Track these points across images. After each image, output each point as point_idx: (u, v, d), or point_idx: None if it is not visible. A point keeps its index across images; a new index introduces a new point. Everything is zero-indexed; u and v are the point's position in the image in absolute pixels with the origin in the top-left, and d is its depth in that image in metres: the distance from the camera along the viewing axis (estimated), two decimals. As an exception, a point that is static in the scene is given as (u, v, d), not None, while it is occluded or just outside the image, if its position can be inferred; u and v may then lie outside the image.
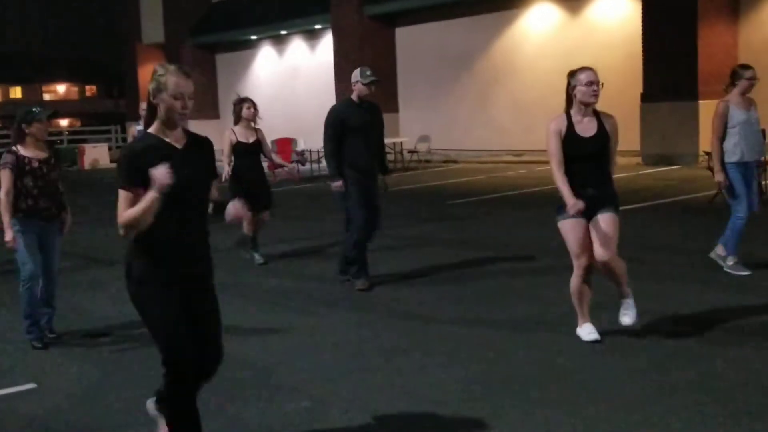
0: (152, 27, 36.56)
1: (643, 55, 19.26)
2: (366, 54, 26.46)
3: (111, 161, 30.72)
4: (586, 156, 5.74)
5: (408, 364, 5.79)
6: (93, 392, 5.61)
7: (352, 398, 5.14)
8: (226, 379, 4.84)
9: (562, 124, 5.78)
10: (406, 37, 27.43)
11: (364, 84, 7.92)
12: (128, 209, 3.79)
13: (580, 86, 5.69)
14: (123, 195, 3.82)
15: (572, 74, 5.78)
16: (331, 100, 27.99)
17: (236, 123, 9.38)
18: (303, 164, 16.61)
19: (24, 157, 6.47)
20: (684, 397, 4.87)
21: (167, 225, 3.87)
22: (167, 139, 3.94)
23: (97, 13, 71.95)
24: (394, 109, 26.51)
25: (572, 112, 5.81)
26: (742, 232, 7.68)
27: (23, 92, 79.76)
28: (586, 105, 5.74)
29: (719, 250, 7.79)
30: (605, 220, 5.72)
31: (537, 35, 23.98)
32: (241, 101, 9.45)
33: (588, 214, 5.73)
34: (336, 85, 27.63)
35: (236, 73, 34.40)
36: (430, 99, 26.01)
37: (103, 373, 6.01)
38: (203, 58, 34.54)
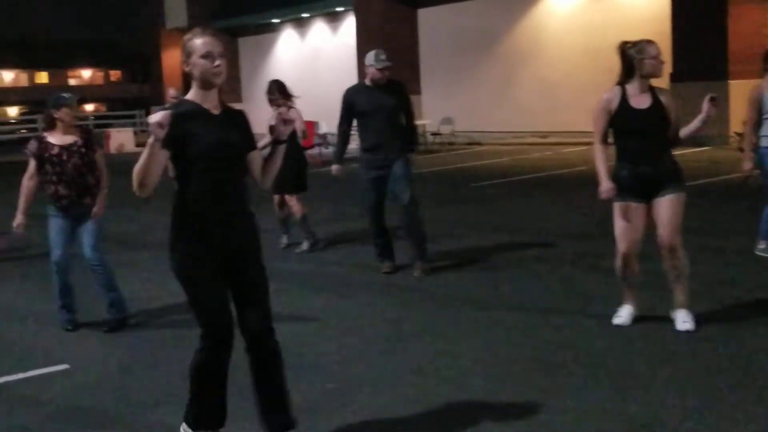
0: (175, 12, 36.66)
1: (672, 34, 18.99)
2: (388, 35, 26.36)
3: (136, 145, 30.93)
4: (642, 130, 5.58)
5: (434, 347, 5.78)
6: (123, 372, 5.67)
7: (378, 381, 5.14)
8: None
9: (615, 97, 5.63)
10: (428, 17, 27.28)
11: (377, 69, 7.78)
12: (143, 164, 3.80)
13: (649, 59, 5.54)
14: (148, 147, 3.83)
15: (633, 45, 5.60)
16: (352, 82, 27.86)
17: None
18: (326, 147, 16.64)
19: (46, 143, 6.48)
20: (725, 380, 4.80)
21: (203, 192, 3.88)
22: (204, 106, 3.94)
23: (122, -1, 72.14)
24: (417, 91, 26.38)
25: (628, 85, 5.64)
26: None
27: (49, 77, 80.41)
28: (652, 77, 5.62)
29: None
30: (666, 203, 5.58)
31: (562, 13, 23.74)
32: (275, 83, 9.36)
33: (646, 197, 5.61)
34: (358, 68, 27.56)
35: (258, 56, 34.44)
36: (452, 80, 25.87)
37: (132, 354, 6.07)
38: (225, 42, 34.55)
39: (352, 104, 7.92)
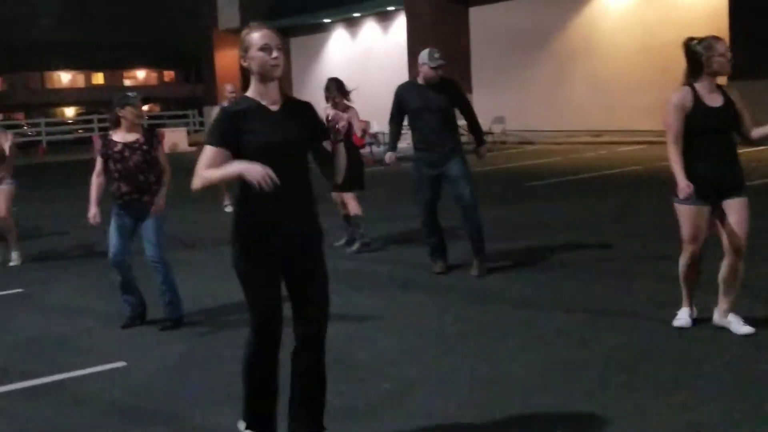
0: (228, 12, 37.02)
1: (729, 31, 18.64)
2: (439, 34, 26.30)
3: (189, 145, 31.32)
4: (716, 128, 5.46)
5: (488, 347, 5.75)
6: (178, 371, 5.73)
7: (433, 381, 5.13)
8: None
9: (687, 96, 5.47)
10: (480, 15, 27.18)
11: (431, 67, 7.72)
12: (209, 167, 3.82)
13: (718, 56, 5.41)
14: (208, 151, 3.86)
15: (700, 42, 5.47)
16: (403, 81, 27.91)
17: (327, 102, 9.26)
18: (377, 146, 16.65)
19: (110, 141, 6.59)
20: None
21: (261, 190, 3.76)
22: (263, 102, 3.94)
23: (176, 1, 72.96)
24: (468, 89, 26.26)
25: (697, 84, 5.50)
26: None
27: (105, 78, 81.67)
28: (720, 75, 5.49)
29: None
30: (739, 206, 5.47)
31: (616, 11, 23.49)
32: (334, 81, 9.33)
33: (712, 198, 5.48)
34: (409, 67, 27.55)
35: (310, 56, 34.61)
36: (504, 79, 25.75)
37: (188, 353, 6.12)
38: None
39: (403, 101, 7.91)
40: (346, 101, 9.22)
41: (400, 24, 29.50)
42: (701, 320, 5.78)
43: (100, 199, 6.75)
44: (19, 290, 8.49)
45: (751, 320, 5.63)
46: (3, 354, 6.33)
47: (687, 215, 5.53)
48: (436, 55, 7.73)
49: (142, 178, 6.58)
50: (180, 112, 43.83)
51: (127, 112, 6.56)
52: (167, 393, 5.29)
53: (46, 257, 10.30)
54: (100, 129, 38.74)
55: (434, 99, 7.75)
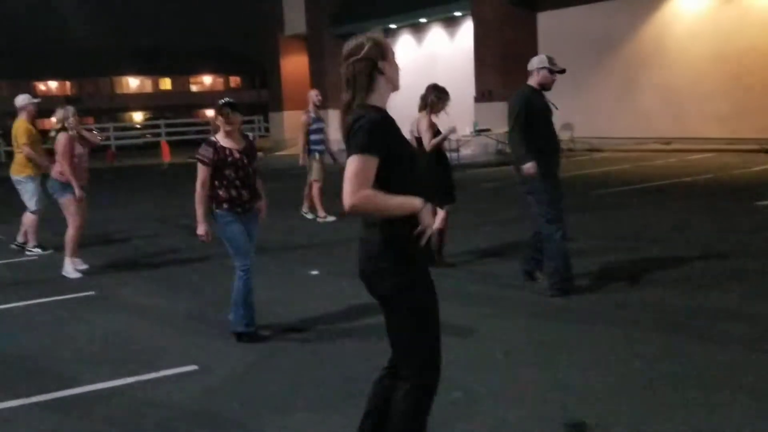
0: (294, 18, 37.33)
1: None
2: (506, 40, 26.21)
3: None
4: None
5: (559, 360, 5.72)
6: (249, 376, 5.78)
7: (503, 391, 5.12)
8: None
9: None
10: (548, 21, 26.97)
11: (551, 72, 7.77)
12: (368, 181, 3.42)
13: None
14: (363, 163, 3.42)
15: None
16: (469, 87, 27.93)
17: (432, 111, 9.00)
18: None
19: (224, 148, 6.39)
20: None
21: (412, 193, 3.53)
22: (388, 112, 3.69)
23: (241, 7, 73.95)
24: (536, 96, 26.07)
25: None
26: None
27: (172, 84, 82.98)
28: None
29: None
30: None
31: (689, 16, 23.09)
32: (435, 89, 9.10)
33: None
34: (476, 72, 27.47)
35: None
36: (572, 85, 25.37)
37: (259, 359, 6.15)
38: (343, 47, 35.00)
39: (529, 107, 7.62)
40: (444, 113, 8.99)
41: (466, 29, 29.43)
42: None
43: (207, 213, 6.47)
44: (91, 293, 8.66)
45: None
46: (76, 355, 6.48)
47: None
48: (555, 61, 7.78)
49: (255, 185, 6.56)
50: (246, 117, 44.25)
51: (233, 119, 6.40)
52: (237, 398, 5.34)
53: (117, 261, 10.50)
54: (168, 134, 39.47)
55: (551, 104, 7.81)
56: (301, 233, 11.69)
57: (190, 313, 7.10)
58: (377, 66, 3.62)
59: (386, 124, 3.56)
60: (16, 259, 10.94)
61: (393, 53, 3.69)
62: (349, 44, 3.69)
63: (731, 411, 4.58)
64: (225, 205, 6.39)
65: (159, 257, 10.55)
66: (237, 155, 6.39)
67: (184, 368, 5.94)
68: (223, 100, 6.54)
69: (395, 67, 3.69)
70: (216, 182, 6.37)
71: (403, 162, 3.58)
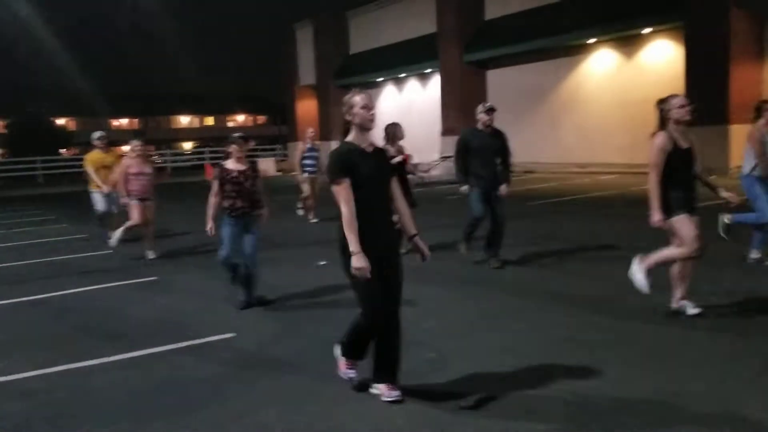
0: (306, 72, 37.34)
1: (685, 89, 18.38)
2: (465, 90, 26.29)
3: (276, 171, 31.57)
4: (688, 163, 5.38)
5: (512, 326, 5.68)
6: (276, 340, 5.71)
7: (469, 352, 5.07)
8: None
9: (667, 140, 5.33)
10: (495, 77, 27.08)
11: (485, 112, 7.74)
12: (347, 199, 3.85)
13: (676, 109, 5.31)
14: (341, 189, 3.87)
15: (663, 101, 5.39)
16: (437, 125, 27.97)
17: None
18: (414, 174, 16.51)
19: (226, 169, 6.58)
20: (731, 362, 4.59)
21: (366, 207, 3.90)
22: (362, 146, 3.99)
23: (267, 63, 73.91)
24: (486, 132, 26.13)
25: (669, 130, 5.36)
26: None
27: (214, 121, 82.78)
28: (681, 122, 5.35)
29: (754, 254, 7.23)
30: (697, 220, 5.43)
31: (597, 74, 23.24)
32: (395, 125, 9.00)
33: (692, 211, 5.39)
34: (442, 115, 27.52)
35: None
36: (513, 124, 25.51)
37: (283, 327, 6.07)
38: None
39: (466, 143, 7.80)
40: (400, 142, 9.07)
41: (435, 82, 29.48)
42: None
43: (215, 215, 6.67)
44: (154, 278, 8.59)
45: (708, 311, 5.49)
46: (141, 325, 6.40)
47: (685, 222, 5.33)
48: (488, 105, 7.81)
49: (254, 197, 6.61)
50: (269, 146, 44.19)
51: (231, 149, 6.62)
52: (267, 355, 5.29)
53: (174, 253, 10.40)
54: (210, 158, 39.33)
55: (491, 141, 7.79)
56: (308, 233, 11.63)
57: (229, 293, 7.02)
58: (346, 119, 4.01)
59: (342, 154, 3.90)
60: (96, 252, 10.83)
61: (360, 105, 3.97)
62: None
63: (613, 367, 4.57)
64: (228, 212, 6.56)
65: (206, 248, 10.46)
66: (234, 174, 6.53)
67: (225, 335, 5.87)
68: (236, 134, 6.77)
69: (360, 115, 3.97)
70: (223, 194, 6.57)
71: (358, 183, 3.86)
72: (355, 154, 3.94)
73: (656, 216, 5.29)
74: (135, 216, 9.73)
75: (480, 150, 7.68)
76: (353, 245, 3.83)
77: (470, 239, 8.20)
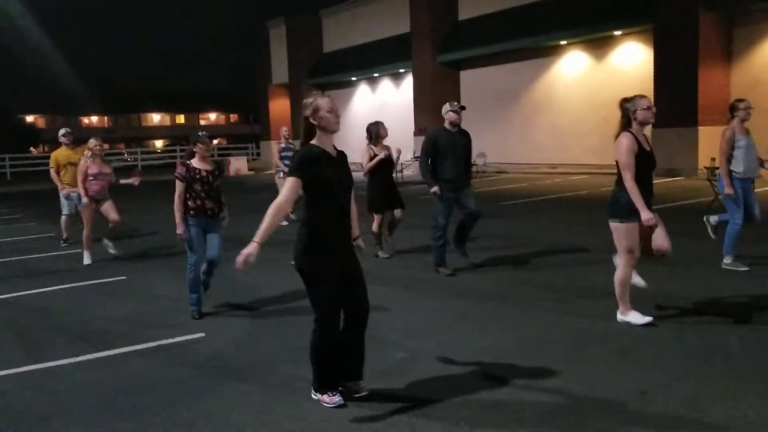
0: (279, 71, 37.14)
1: (654, 92, 18.66)
2: (437, 91, 26.34)
3: (249, 170, 31.39)
4: (649, 166, 5.31)
5: (479, 326, 5.73)
6: (247, 341, 5.69)
7: (437, 351, 5.10)
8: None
9: (634, 141, 5.24)
10: (468, 77, 27.20)
11: (455, 111, 7.56)
12: (290, 193, 3.90)
13: (642, 110, 5.25)
14: (292, 182, 3.88)
15: (629, 101, 5.30)
16: (410, 125, 28.04)
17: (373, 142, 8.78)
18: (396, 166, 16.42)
19: (194, 168, 6.36)
20: (696, 361, 4.67)
21: (330, 212, 3.92)
22: (326, 149, 3.99)
23: (240, 61, 73.43)
24: (459, 132, 26.22)
25: (633, 131, 5.29)
26: (739, 236, 7.25)
27: (185, 119, 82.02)
28: (647, 124, 5.32)
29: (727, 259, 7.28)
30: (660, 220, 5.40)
31: (569, 76, 23.47)
32: (378, 124, 8.85)
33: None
34: (414, 115, 27.58)
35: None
36: (486, 125, 25.73)
37: (254, 328, 6.07)
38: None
39: (434, 144, 7.57)
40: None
41: (408, 82, 29.52)
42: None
43: (183, 215, 6.44)
44: (122, 278, 8.49)
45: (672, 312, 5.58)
46: (109, 325, 6.33)
47: (631, 232, 5.31)
48: (456, 103, 7.65)
49: (219, 198, 6.49)
50: (242, 145, 43.88)
51: (198, 148, 6.40)
52: (236, 355, 5.27)
53: (142, 253, 10.30)
54: (181, 156, 38.90)
55: (461, 140, 7.65)
56: (282, 232, 11.56)
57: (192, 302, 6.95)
58: (310, 121, 3.95)
59: (311, 156, 3.88)
60: (67, 252, 10.68)
61: (326, 109, 3.94)
62: (302, 103, 4.00)
63: (584, 366, 4.64)
64: (192, 212, 6.33)
65: (175, 250, 10.37)
66: (203, 174, 6.35)
67: (194, 335, 5.84)
68: (201, 133, 6.54)
69: (326, 119, 3.95)
70: (187, 194, 6.33)
71: (321, 185, 3.88)
72: (323, 158, 3.94)
73: (646, 214, 5.13)
74: (88, 221, 9.48)
75: (450, 149, 7.55)
76: (262, 236, 3.85)
77: (445, 260, 7.79)
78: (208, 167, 6.45)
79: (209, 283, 6.67)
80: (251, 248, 3.81)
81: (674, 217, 11.38)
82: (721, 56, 18.43)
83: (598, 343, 5.10)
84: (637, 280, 5.64)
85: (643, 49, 20.59)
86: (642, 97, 5.35)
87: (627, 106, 5.34)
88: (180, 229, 6.37)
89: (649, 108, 5.29)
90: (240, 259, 3.78)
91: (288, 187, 3.91)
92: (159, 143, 73.50)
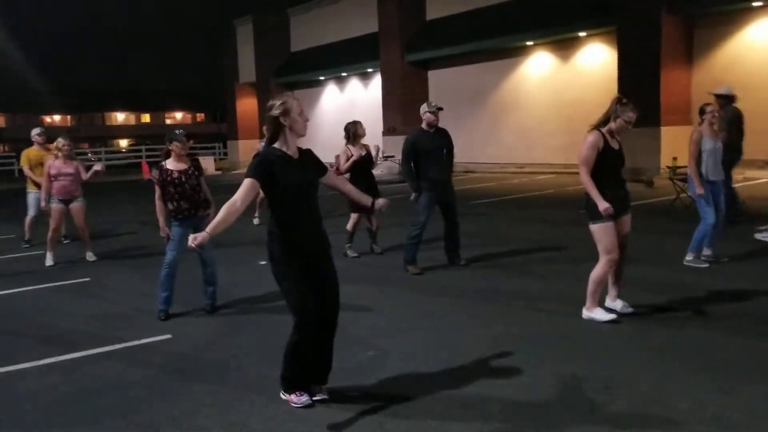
0: (247, 70, 36.84)
1: (618, 92, 18.90)
2: (406, 90, 26.40)
3: (215, 170, 31.09)
4: (617, 164, 5.38)
5: (448, 324, 5.75)
6: (214, 341, 5.64)
7: (407, 349, 5.11)
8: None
9: (600, 139, 5.32)
10: (436, 77, 27.30)
11: (433, 112, 7.56)
12: (245, 193, 3.82)
13: (625, 122, 5.30)
14: (248, 183, 3.83)
15: (624, 104, 5.31)
16: (378, 124, 28.05)
17: (350, 142, 8.70)
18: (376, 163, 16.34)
19: (166, 170, 6.27)
20: (660, 356, 4.76)
21: (292, 215, 3.90)
22: (288, 152, 3.95)
23: (206, 59, 72.65)
24: (427, 132, 26.28)
25: (604, 130, 5.36)
26: (708, 235, 7.35)
27: (150, 118, 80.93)
28: (618, 133, 5.41)
29: (689, 256, 7.42)
30: (629, 219, 5.49)
31: (535, 76, 23.70)
32: (356, 123, 8.79)
33: (617, 215, 5.36)
34: (383, 114, 27.60)
35: (309, 105, 34.51)
36: (454, 125, 25.67)
37: (221, 329, 6.02)
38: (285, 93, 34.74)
39: (415, 147, 7.53)
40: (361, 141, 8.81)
41: (376, 81, 29.54)
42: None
43: (166, 217, 6.37)
44: (87, 279, 8.36)
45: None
46: (73, 328, 6.23)
47: (607, 231, 5.34)
48: (433, 104, 7.64)
49: (196, 197, 6.36)
50: (209, 144, 43.46)
51: (174, 147, 6.30)
52: (203, 356, 5.22)
53: (107, 254, 10.14)
54: (147, 156, 38.41)
55: (440, 141, 7.64)
56: (251, 233, 11.50)
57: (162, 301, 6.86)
58: (279, 121, 3.88)
59: (270, 160, 3.86)
60: (29, 253, 10.46)
61: (297, 112, 3.91)
62: (269, 102, 3.98)
63: (549, 363, 4.69)
64: (172, 214, 6.32)
65: (140, 250, 10.25)
66: (175, 175, 6.26)
67: (161, 336, 5.77)
68: (178, 131, 6.45)
69: (299, 122, 3.92)
70: (165, 197, 6.30)
71: (279, 189, 3.86)
72: (281, 162, 3.88)
73: (602, 204, 5.20)
74: (52, 221, 9.27)
75: (432, 151, 7.52)
76: (213, 228, 3.82)
77: (415, 259, 7.80)
78: (183, 166, 6.33)
79: (214, 306, 6.51)
80: (202, 237, 3.79)
81: (637, 215, 11.56)
82: (683, 58, 18.79)
83: (564, 339, 5.16)
84: (605, 317, 5.49)
85: (607, 50, 20.89)
86: (633, 110, 5.35)
87: (616, 108, 5.34)
88: (163, 232, 6.40)
89: (629, 123, 5.32)
90: (191, 242, 3.77)
91: (244, 188, 3.83)
92: (124, 143, 72.38)
